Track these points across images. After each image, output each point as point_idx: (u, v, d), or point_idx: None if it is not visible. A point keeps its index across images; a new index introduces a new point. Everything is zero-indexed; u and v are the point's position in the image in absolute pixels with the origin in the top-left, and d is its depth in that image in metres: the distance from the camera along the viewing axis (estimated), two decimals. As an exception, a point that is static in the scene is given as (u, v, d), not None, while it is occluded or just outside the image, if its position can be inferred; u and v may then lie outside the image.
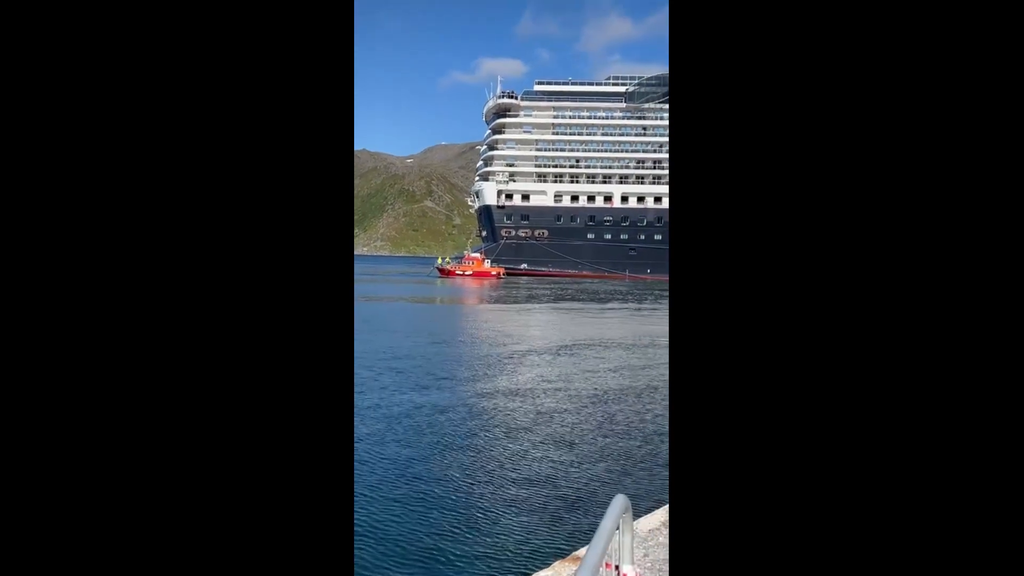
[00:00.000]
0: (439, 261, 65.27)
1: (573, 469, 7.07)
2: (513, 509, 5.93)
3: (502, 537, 5.35)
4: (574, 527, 5.52)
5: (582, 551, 3.91)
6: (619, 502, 1.88)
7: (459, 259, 63.53)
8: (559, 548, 5.00)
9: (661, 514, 4.36)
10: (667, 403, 10.17)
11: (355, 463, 6.87)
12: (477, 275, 58.12)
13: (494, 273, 58.95)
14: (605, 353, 15.76)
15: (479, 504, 6.04)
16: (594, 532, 1.81)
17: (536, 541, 5.28)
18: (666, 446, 7.98)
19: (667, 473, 6.89)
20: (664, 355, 15.57)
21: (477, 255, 61.69)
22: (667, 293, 43.16)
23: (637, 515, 4.15)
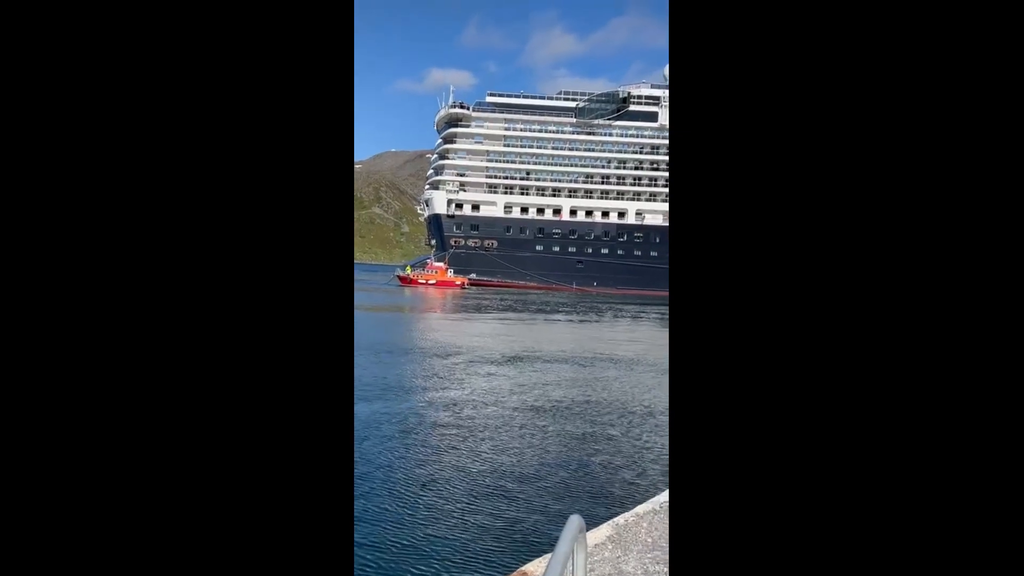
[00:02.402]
0: (405, 270, 63.81)
1: (516, 484, 7.06)
2: (451, 526, 5.88)
3: (441, 555, 5.29)
4: (518, 541, 5.51)
5: (528, 567, 3.91)
6: (574, 523, 1.88)
7: (421, 267, 62.68)
8: (504, 564, 4.98)
9: (607, 528, 4.40)
10: (613, 416, 10.32)
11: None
12: (440, 284, 57.43)
13: (458, 283, 58.46)
14: (555, 366, 15.86)
15: (412, 521, 5.96)
16: (550, 553, 1.80)
17: (478, 557, 5.24)
18: (604, 460, 8.07)
19: (612, 489, 6.98)
20: (613, 370, 15.78)
21: (441, 264, 61.05)
22: (612, 305, 43.53)
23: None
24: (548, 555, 3.65)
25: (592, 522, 4.59)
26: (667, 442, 8.87)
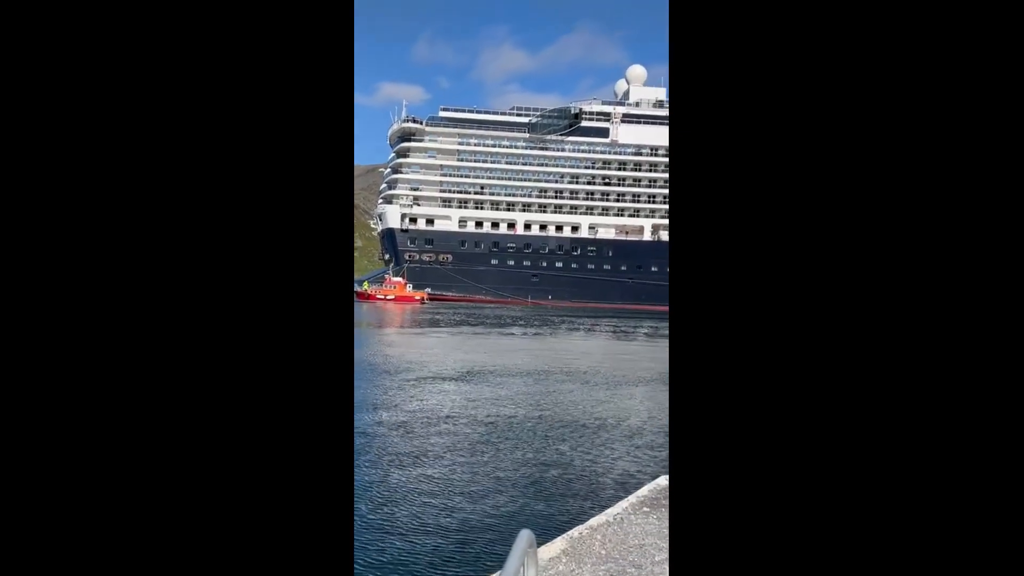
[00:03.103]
0: (363, 286, 62.59)
1: (468, 502, 7.02)
2: (400, 546, 5.81)
3: (396, 572, 5.22)
4: (469, 559, 5.48)
5: (483, 583, 3.89)
6: (524, 537, 1.90)
7: (379, 281, 61.80)
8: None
9: (561, 542, 4.43)
10: (565, 431, 10.37)
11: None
12: (400, 300, 56.71)
13: (418, 298, 57.90)
14: (510, 381, 15.86)
15: (360, 540, 5.87)
16: (500, 566, 1.82)
17: (432, 573, 5.19)
18: (556, 475, 8.11)
19: (565, 503, 7.01)
20: (567, 383, 15.88)
21: (399, 279, 60.39)
22: (566, 318, 43.71)
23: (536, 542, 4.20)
24: (499, 572, 3.65)
25: (546, 536, 4.61)
26: (617, 456, 8.98)
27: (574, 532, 4.60)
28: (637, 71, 73.50)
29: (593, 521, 4.78)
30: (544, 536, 4.92)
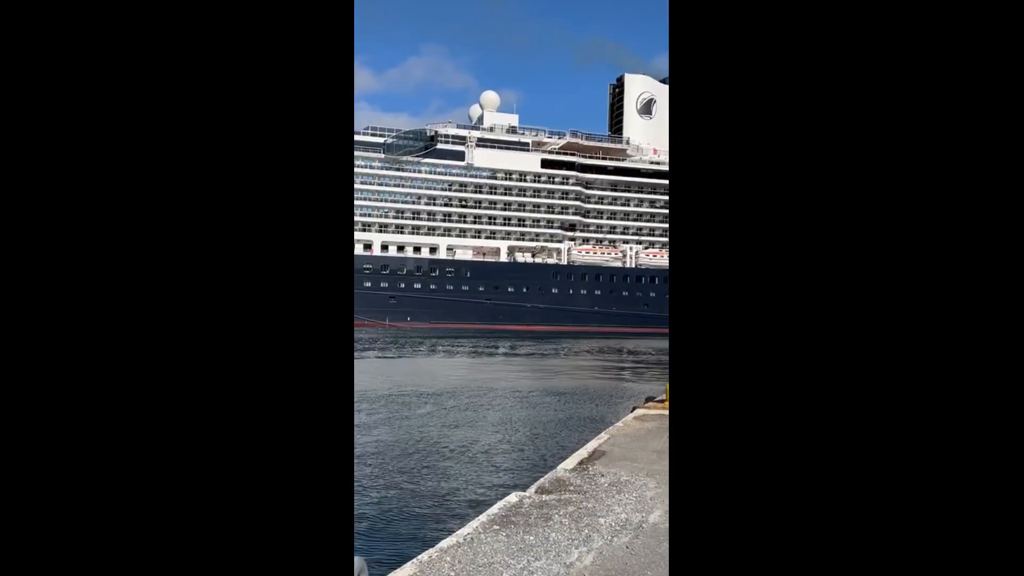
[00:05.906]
0: None
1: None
2: None
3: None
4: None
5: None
6: (355, 566, 1.90)
7: None
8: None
9: (410, 567, 4.42)
10: (420, 456, 10.32)
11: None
12: None
13: None
14: (363, 407, 15.50)
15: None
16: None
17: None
18: (406, 500, 8.07)
19: (406, 530, 6.97)
20: (424, 407, 15.78)
21: None
22: (425, 339, 43.50)
23: (382, 573, 4.16)
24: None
25: (396, 563, 4.57)
26: (470, 477, 9.08)
27: (423, 556, 4.61)
28: (491, 97, 75.57)
29: (444, 543, 4.82)
30: (393, 563, 4.88)
